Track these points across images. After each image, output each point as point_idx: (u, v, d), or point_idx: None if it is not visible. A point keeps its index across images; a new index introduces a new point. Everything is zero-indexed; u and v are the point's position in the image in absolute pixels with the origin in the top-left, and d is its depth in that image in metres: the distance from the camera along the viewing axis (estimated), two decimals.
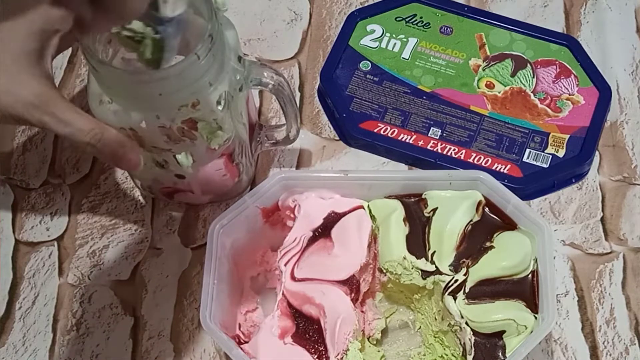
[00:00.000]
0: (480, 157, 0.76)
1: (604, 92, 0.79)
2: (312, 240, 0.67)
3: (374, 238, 0.68)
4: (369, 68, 0.81)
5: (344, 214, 0.67)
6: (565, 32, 0.84)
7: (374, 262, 0.68)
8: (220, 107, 0.63)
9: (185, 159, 0.66)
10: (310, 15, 0.87)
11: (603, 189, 0.77)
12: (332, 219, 0.67)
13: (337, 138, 0.80)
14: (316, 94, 0.82)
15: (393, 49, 0.82)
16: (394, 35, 0.83)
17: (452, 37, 0.82)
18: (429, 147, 0.77)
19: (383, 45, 0.82)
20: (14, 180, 0.79)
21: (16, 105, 0.54)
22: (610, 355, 0.70)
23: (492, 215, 0.67)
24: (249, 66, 0.66)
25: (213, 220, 0.65)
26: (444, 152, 0.77)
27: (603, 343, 0.70)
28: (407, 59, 0.81)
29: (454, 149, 0.77)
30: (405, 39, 0.82)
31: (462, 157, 0.76)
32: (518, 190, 0.74)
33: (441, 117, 0.78)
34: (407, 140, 0.77)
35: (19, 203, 0.78)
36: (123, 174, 0.79)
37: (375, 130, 0.78)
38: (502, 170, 0.76)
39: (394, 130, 0.78)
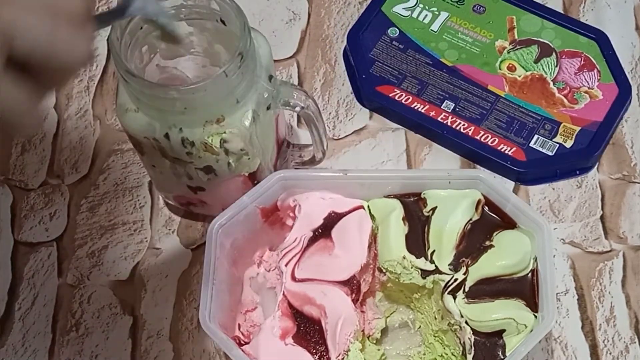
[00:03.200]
0: (488, 136, 0.77)
1: (624, 91, 0.79)
2: (313, 240, 0.67)
3: (374, 238, 0.68)
4: (397, 35, 0.82)
5: (345, 214, 0.67)
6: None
7: (374, 262, 0.68)
8: (246, 124, 0.63)
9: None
10: (309, 14, 0.87)
11: (603, 187, 0.77)
12: (332, 219, 0.67)
13: (336, 137, 0.80)
14: (342, 55, 0.84)
15: (424, 20, 0.83)
16: (426, 7, 0.84)
17: (483, 17, 0.83)
18: (439, 119, 0.78)
19: (414, 15, 0.84)
20: (13, 180, 0.79)
21: None
22: (610, 353, 0.69)
23: (491, 214, 0.67)
24: (279, 86, 0.66)
25: (212, 220, 0.65)
26: (453, 126, 0.78)
27: (603, 342, 0.70)
28: (435, 32, 0.83)
29: (464, 124, 0.78)
30: (437, 12, 0.84)
31: (469, 134, 0.77)
32: (519, 173, 0.75)
33: (457, 92, 0.79)
34: (420, 109, 0.79)
35: (17, 204, 0.78)
36: (122, 174, 0.79)
37: (391, 95, 0.80)
38: (506, 151, 0.76)
39: (409, 98, 0.79)
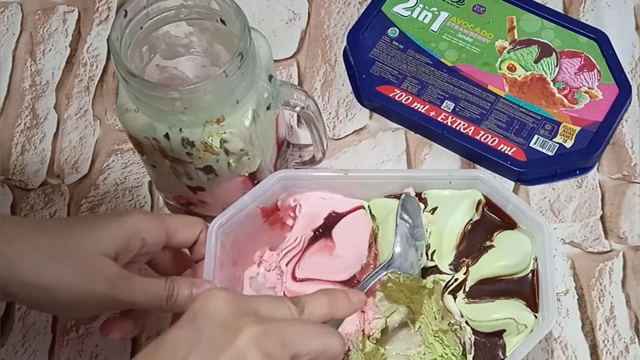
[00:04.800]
0: (488, 136, 0.77)
1: (624, 91, 0.79)
2: (313, 240, 0.67)
3: (374, 238, 0.68)
4: (397, 35, 0.82)
5: (345, 214, 0.67)
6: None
7: (374, 262, 0.68)
8: (246, 124, 0.63)
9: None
10: (309, 14, 0.87)
11: (603, 187, 0.77)
12: (333, 219, 0.67)
13: (336, 137, 0.80)
14: (342, 55, 0.84)
15: (424, 20, 0.83)
16: (426, 7, 0.84)
17: (483, 17, 0.83)
18: (439, 119, 0.78)
19: (414, 15, 0.84)
20: (13, 180, 0.79)
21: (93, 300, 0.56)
22: (610, 353, 0.69)
23: (492, 214, 0.67)
24: (279, 86, 0.66)
25: (212, 220, 0.65)
26: (453, 126, 0.78)
27: (603, 342, 0.70)
28: (435, 32, 0.83)
29: (464, 124, 0.78)
30: (437, 12, 0.84)
31: (469, 134, 0.77)
32: (519, 173, 0.76)
33: (457, 92, 0.79)
34: (420, 109, 0.79)
35: (18, 204, 0.78)
36: (122, 174, 0.79)
37: (391, 95, 0.80)
38: (507, 151, 0.76)
39: (409, 98, 0.79)
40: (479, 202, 0.66)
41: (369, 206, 0.68)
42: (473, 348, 0.62)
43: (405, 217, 0.64)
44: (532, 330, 0.61)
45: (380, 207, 0.68)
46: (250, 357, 0.48)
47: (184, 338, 0.49)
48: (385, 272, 0.62)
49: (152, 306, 0.58)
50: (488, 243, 0.65)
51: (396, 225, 0.63)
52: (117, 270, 0.56)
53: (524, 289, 0.64)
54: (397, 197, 0.68)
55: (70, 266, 0.55)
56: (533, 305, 0.63)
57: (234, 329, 0.49)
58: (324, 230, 0.67)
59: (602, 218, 0.75)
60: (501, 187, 0.65)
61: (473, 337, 0.62)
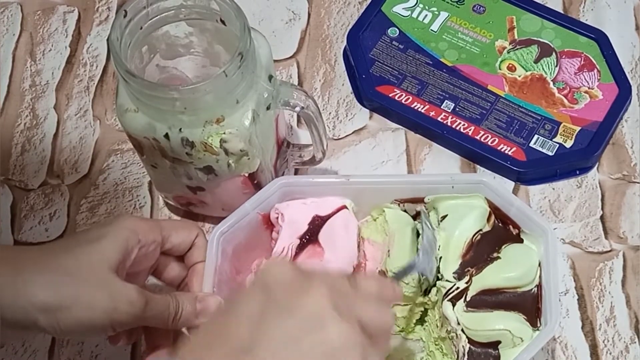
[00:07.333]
0: (488, 136, 0.77)
1: (624, 91, 0.79)
2: (301, 248, 0.66)
3: (362, 238, 0.67)
4: (397, 35, 0.82)
5: (329, 216, 0.66)
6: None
7: (364, 261, 0.67)
8: (246, 124, 0.63)
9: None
10: (309, 14, 0.87)
11: (603, 187, 0.77)
12: (317, 224, 0.66)
13: (336, 137, 0.80)
14: (342, 55, 0.84)
15: (423, 20, 0.83)
16: (426, 7, 0.84)
17: (483, 17, 0.83)
18: (439, 119, 0.78)
19: (414, 15, 0.84)
20: (13, 180, 0.79)
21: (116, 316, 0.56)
22: (610, 353, 0.69)
23: (498, 221, 0.66)
24: (279, 86, 0.66)
25: (212, 220, 0.65)
26: (453, 126, 0.78)
27: (603, 342, 0.70)
28: (435, 32, 0.83)
29: (464, 124, 0.78)
30: (437, 12, 0.84)
31: (469, 134, 0.77)
32: (519, 173, 0.76)
33: (457, 92, 0.79)
34: (420, 109, 0.79)
35: (17, 204, 0.78)
36: (122, 174, 0.79)
37: (391, 95, 0.80)
38: (506, 151, 0.76)
39: (409, 98, 0.79)
40: (490, 214, 0.66)
41: (384, 210, 0.68)
42: (466, 357, 0.62)
43: (429, 224, 0.65)
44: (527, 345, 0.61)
45: (395, 218, 0.67)
46: (325, 314, 0.48)
47: (255, 301, 0.50)
48: (409, 273, 0.63)
49: (159, 324, 0.59)
50: (495, 255, 0.65)
51: (422, 229, 0.64)
52: (137, 289, 0.56)
53: (526, 302, 0.63)
54: (401, 201, 0.68)
55: (86, 283, 0.55)
56: (533, 319, 0.62)
57: (303, 290, 0.50)
58: (310, 236, 0.66)
59: (602, 218, 0.75)
60: (505, 191, 0.65)
61: (468, 345, 0.62)
